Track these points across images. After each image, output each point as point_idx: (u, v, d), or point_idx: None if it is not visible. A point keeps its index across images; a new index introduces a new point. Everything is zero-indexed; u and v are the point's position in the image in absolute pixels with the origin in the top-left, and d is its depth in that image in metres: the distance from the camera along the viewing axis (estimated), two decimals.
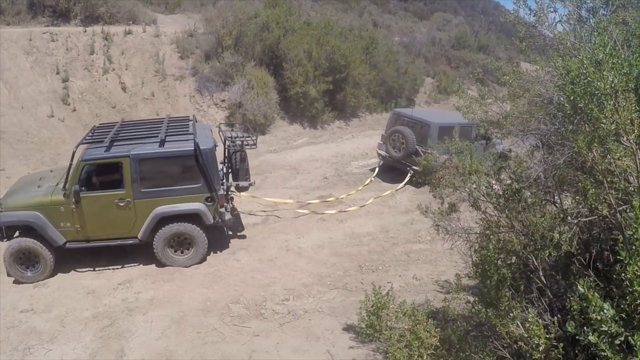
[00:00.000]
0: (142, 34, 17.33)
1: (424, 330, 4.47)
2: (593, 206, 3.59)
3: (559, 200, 4.53)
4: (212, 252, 8.35)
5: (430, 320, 4.64)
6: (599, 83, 3.26)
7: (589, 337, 2.77)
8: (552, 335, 3.56)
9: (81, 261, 7.86)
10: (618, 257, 2.97)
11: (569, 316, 3.32)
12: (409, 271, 7.99)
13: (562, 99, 3.92)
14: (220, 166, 8.55)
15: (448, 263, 8.15)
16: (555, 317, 3.79)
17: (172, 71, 16.83)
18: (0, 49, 14.43)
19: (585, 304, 2.87)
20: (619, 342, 2.76)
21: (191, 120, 8.60)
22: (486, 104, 5.53)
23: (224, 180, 8.44)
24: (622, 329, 2.75)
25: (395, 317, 4.64)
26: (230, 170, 8.87)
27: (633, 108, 3.29)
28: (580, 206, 4.11)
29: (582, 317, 3.18)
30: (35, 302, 6.91)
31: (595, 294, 2.79)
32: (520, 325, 3.71)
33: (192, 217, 7.73)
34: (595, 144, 3.42)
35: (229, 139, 8.95)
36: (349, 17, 26.02)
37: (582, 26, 4.66)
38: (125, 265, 7.87)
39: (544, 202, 4.62)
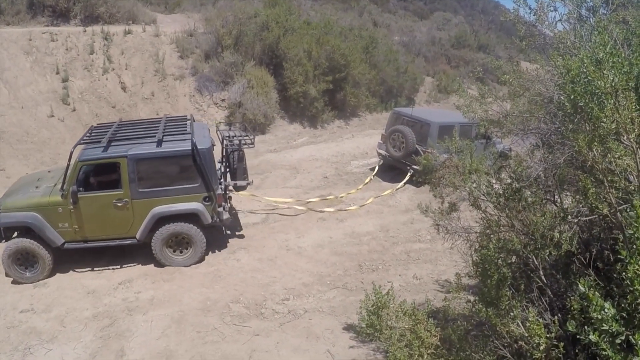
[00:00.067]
0: (141, 33, 17.32)
1: (424, 330, 4.48)
2: (593, 205, 3.59)
3: (559, 200, 4.53)
4: (212, 252, 8.35)
5: (430, 319, 4.64)
6: (599, 82, 3.26)
7: (590, 337, 2.77)
8: (553, 334, 3.56)
9: (80, 261, 7.86)
10: (618, 256, 2.97)
11: (569, 315, 3.32)
12: (409, 270, 7.99)
13: (562, 98, 3.92)
14: (218, 165, 8.54)
15: (448, 262, 8.15)
16: (556, 317, 3.79)
17: (172, 71, 16.83)
18: (0, 49, 14.42)
19: (585, 303, 2.87)
20: (619, 341, 2.76)
21: (189, 120, 8.58)
22: (486, 103, 5.53)
23: (222, 180, 8.43)
24: (623, 328, 2.75)
25: (395, 317, 4.64)
26: (228, 170, 8.86)
27: (633, 107, 3.28)
28: (581, 205, 4.11)
29: (583, 316, 3.18)
30: (36, 302, 6.90)
31: (596, 293, 2.79)
32: (520, 324, 3.70)
33: (190, 217, 7.72)
34: (596, 143, 3.42)
35: (227, 138, 8.93)
36: (348, 17, 26.02)
37: (582, 25, 4.66)
38: (124, 266, 7.86)
39: (544, 202, 4.62)
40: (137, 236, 7.65)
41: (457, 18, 35.61)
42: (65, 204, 7.27)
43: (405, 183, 11.71)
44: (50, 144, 13.13)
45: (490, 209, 4.72)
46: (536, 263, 4.07)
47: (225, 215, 8.06)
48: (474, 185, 4.77)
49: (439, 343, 4.51)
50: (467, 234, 5.40)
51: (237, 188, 8.87)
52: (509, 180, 4.77)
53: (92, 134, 7.96)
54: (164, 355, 5.80)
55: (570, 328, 3.09)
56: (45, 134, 13.35)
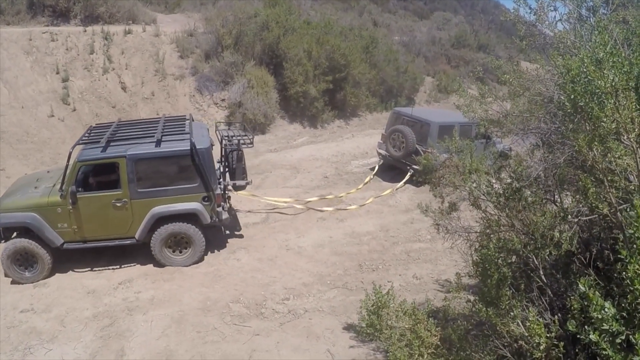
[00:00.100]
0: (142, 33, 17.32)
1: (424, 330, 4.48)
2: (593, 205, 3.59)
3: (559, 199, 4.53)
4: (212, 252, 8.35)
5: (430, 319, 4.64)
6: (599, 82, 3.26)
7: (590, 336, 2.77)
8: (553, 334, 3.56)
9: (80, 261, 7.86)
10: (618, 256, 2.97)
11: (569, 315, 3.32)
12: (409, 270, 7.99)
13: (562, 97, 3.92)
14: (217, 165, 8.54)
15: (448, 262, 8.15)
16: (556, 316, 3.79)
17: (172, 71, 16.83)
18: (0, 49, 14.42)
19: (586, 303, 2.87)
20: (619, 340, 2.76)
21: (187, 120, 8.58)
22: (486, 102, 5.53)
23: (221, 180, 8.44)
24: (623, 328, 2.75)
25: (395, 316, 4.64)
26: (227, 170, 8.85)
27: (633, 107, 3.29)
28: (581, 205, 4.11)
29: (583, 316, 3.18)
30: (36, 302, 6.91)
31: (596, 292, 2.79)
32: (520, 324, 3.70)
33: (189, 217, 7.72)
34: (596, 143, 3.42)
35: (226, 138, 8.93)
36: (348, 17, 26.02)
37: (582, 25, 4.66)
38: (125, 265, 7.86)
39: (544, 201, 4.62)
40: (136, 236, 7.65)
41: (457, 18, 35.62)
42: (64, 204, 7.27)
43: (404, 183, 11.71)
44: (50, 144, 13.13)
45: (490, 209, 4.72)
46: (536, 263, 4.07)
47: (225, 215, 8.06)
48: (474, 185, 4.78)
49: (439, 343, 4.51)
50: (467, 234, 5.40)
51: (236, 188, 8.86)
52: (509, 180, 4.77)
53: (91, 134, 7.96)
54: (164, 355, 5.81)
55: (570, 328, 3.09)
56: (46, 133, 13.35)
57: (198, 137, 7.81)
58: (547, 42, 5.15)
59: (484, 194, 4.70)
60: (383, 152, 12.45)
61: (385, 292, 4.81)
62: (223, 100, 16.67)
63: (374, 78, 19.73)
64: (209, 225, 7.90)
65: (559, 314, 3.88)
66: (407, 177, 11.70)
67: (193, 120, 8.86)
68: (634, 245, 2.90)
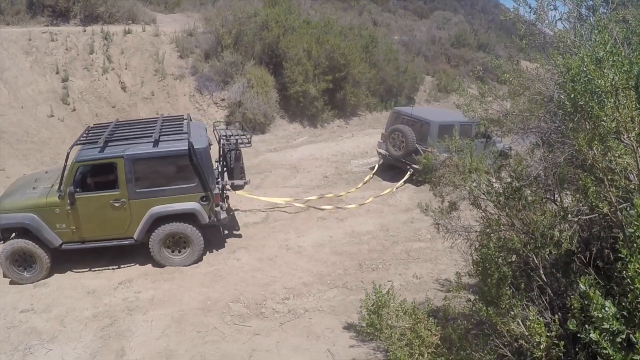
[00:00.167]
0: (141, 33, 17.31)
1: (424, 329, 4.47)
2: (593, 204, 3.58)
3: (559, 199, 4.53)
4: (212, 252, 8.35)
5: (430, 318, 4.64)
6: (599, 81, 3.26)
7: (591, 335, 2.77)
8: (553, 333, 3.56)
9: (80, 261, 7.86)
10: (619, 255, 2.97)
11: (569, 314, 3.32)
12: (409, 270, 7.99)
13: (562, 96, 3.92)
14: (215, 165, 8.54)
15: (448, 261, 8.15)
16: (556, 315, 3.79)
17: (171, 70, 16.82)
18: (0, 49, 14.41)
19: (586, 302, 2.87)
20: (620, 340, 2.76)
21: (185, 119, 8.57)
22: (486, 102, 5.52)
23: (219, 179, 8.43)
24: (624, 327, 2.75)
25: (395, 316, 4.64)
26: (225, 169, 8.85)
27: (633, 106, 3.28)
28: (581, 204, 4.11)
29: (583, 315, 3.18)
30: (36, 302, 6.91)
31: (597, 291, 2.79)
32: (521, 323, 3.70)
33: (188, 217, 7.72)
34: (596, 142, 3.42)
35: (224, 137, 8.92)
36: (348, 16, 26.02)
37: (582, 24, 4.65)
38: (124, 265, 7.87)
39: (544, 200, 4.62)
40: (135, 236, 7.65)
41: (457, 17, 35.62)
42: (63, 204, 7.27)
43: (404, 182, 11.71)
44: (50, 144, 13.13)
45: (490, 208, 4.72)
46: (536, 262, 4.06)
47: (223, 215, 8.06)
48: (474, 184, 4.77)
49: (439, 342, 4.51)
50: (467, 233, 5.40)
51: (235, 187, 8.85)
52: (509, 179, 4.77)
53: (89, 135, 7.96)
54: (164, 355, 5.81)
55: (570, 327, 3.09)
56: (45, 133, 13.35)
57: (196, 136, 7.80)
58: (547, 41, 5.14)
59: (484, 193, 4.69)
60: (383, 151, 12.44)
61: (385, 291, 4.81)
62: (223, 100, 16.67)
63: (374, 77, 19.73)
64: (207, 225, 7.90)
65: (559, 313, 3.88)
66: (406, 176, 11.70)
67: (191, 120, 8.86)
68: (634, 244, 2.90)
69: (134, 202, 7.49)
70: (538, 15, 4.79)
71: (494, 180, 4.81)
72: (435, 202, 5.79)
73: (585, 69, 3.35)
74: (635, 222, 2.88)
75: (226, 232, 9.04)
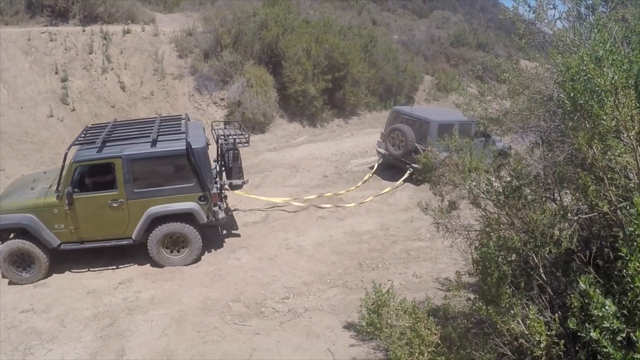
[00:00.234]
0: (140, 33, 17.30)
1: (424, 328, 4.47)
2: (593, 203, 3.58)
3: (559, 197, 4.53)
4: (212, 251, 8.36)
5: (430, 317, 4.64)
6: (599, 80, 3.26)
7: (591, 334, 2.77)
8: (553, 332, 3.56)
9: (80, 261, 7.85)
10: (619, 253, 2.97)
11: (569, 313, 3.32)
12: (409, 269, 7.99)
13: (562, 95, 3.92)
14: (213, 165, 8.54)
15: (448, 260, 8.15)
16: (556, 314, 3.79)
17: (171, 70, 16.82)
18: None
19: (586, 301, 2.87)
20: (620, 338, 2.76)
21: (183, 119, 8.57)
22: (486, 101, 5.52)
23: (217, 179, 8.43)
24: (624, 326, 2.75)
25: (395, 315, 4.64)
26: (223, 169, 8.84)
27: (633, 105, 3.28)
28: (581, 203, 4.11)
29: (583, 313, 3.19)
30: (36, 302, 6.90)
31: (597, 290, 2.79)
32: (521, 322, 3.71)
33: (186, 217, 7.72)
34: (596, 141, 3.42)
35: (222, 137, 8.92)
36: (347, 15, 26.02)
37: (581, 23, 4.65)
38: (124, 265, 7.86)
39: (544, 199, 4.61)
40: (133, 236, 7.65)
41: (456, 16, 35.62)
42: (61, 205, 7.27)
43: (403, 181, 11.71)
44: (49, 144, 13.12)
45: (490, 207, 4.72)
46: (536, 261, 4.07)
47: (221, 215, 8.06)
48: (474, 183, 4.77)
49: (439, 341, 4.51)
50: (467, 232, 5.40)
51: (233, 187, 8.85)
52: (508, 178, 4.77)
53: (87, 135, 7.95)
54: (165, 355, 5.81)
55: (570, 325, 3.09)
56: (45, 134, 13.34)
57: (194, 136, 7.79)
58: (546, 40, 5.14)
59: (483, 193, 4.69)
60: (382, 150, 12.44)
61: (385, 290, 4.81)
62: (222, 99, 16.67)
63: (373, 77, 19.73)
64: (205, 225, 7.89)
65: (559, 312, 3.88)
66: (406, 176, 11.70)
67: (189, 120, 8.85)
68: (634, 243, 2.90)
69: (132, 202, 7.48)
70: (537, 14, 4.79)
71: (493, 179, 4.81)
72: (435, 201, 5.79)
73: (584, 67, 3.35)
74: (635, 221, 2.88)
75: (225, 232, 9.04)
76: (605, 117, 3.28)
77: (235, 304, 6.86)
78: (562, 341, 3.49)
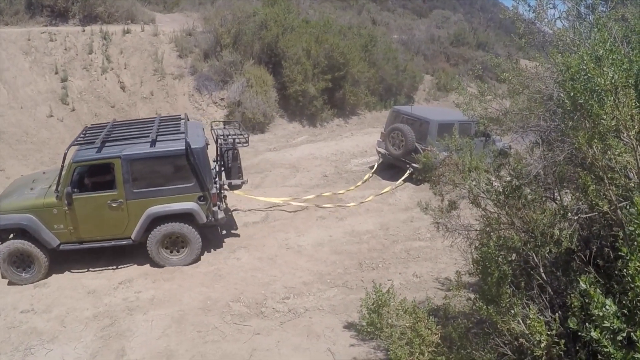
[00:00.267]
0: (140, 33, 17.30)
1: (425, 328, 4.47)
2: (593, 202, 3.58)
3: (559, 197, 4.53)
4: (212, 251, 8.36)
5: (431, 317, 4.64)
6: (599, 79, 3.26)
7: (591, 333, 2.77)
8: (554, 331, 3.56)
9: (80, 261, 7.85)
10: (619, 253, 2.97)
11: (570, 313, 3.32)
12: (409, 269, 7.99)
13: (562, 95, 3.92)
14: (212, 165, 8.53)
15: (448, 260, 8.15)
16: (557, 314, 3.79)
17: (171, 70, 16.81)
18: None
19: (586, 300, 2.87)
20: (620, 338, 2.76)
21: (182, 119, 8.57)
22: (486, 100, 5.52)
23: (217, 179, 8.42)
24: (624, 325, 2.75)
25: (396, 315, 4.64)
26: (222, 169, 8.84)
27: (633, 104, 3.28)
28: (581, 203, 4.11)
29: (583, 313, 3.18)
30: (36, 302, 6.90)
31: (597, 289, 2.79)
32: (521, 322, 3.71)
33: (185, 217, 7.72)
34: (596, 140, 3.42)
35: (221, 137, 8.91)
36: (347, 15, 26.02)
37: (581, 22, 4.65)
38: (124, 265, 7.86)
39: (544, 199, 4.61)
40: (133, 236, 7.65)
41: (456, 16, 35.61)
42: (60, 205, 7.27)
43: (403, 181, 11.71)
44: (49, 144, 13.12)
45: (490, 207, 4.72)
46: (536, 260, 4.07)
47: (220, 215, 8.06)
48: (474, 183, 4.77)
49: (439, 341, 4.51)
50: (467, 232, 5.40)
51: (232, 187, 8.85)
52: (508, 178, 4.77)
53: (86, 135, 7.95)
54: (165, 355, 5.81)
55: (571, 325, 3.09)
56: (45, 134, 13.34)
57: (193, 136, 7.79)
58: (546, 39, 5.14)
59: (483, 192, 4.69)
60: (382, 150, 12.44)
61: (385, 290, 4.81)
62: (222, 99, 16.67)
63: (373, 77, 19.72)
64: (205, 225, 7.89)
65: (560, 312, 3.88)
66: (406, 175, 11.70)
67: (188, 120, 8.85)
68: (635, 243, 2.90)
69: (132, 202, 7.48)
70: (537, 13, 4.79)
71: (493, 179, 4.81)
72: (435, 200, 5.79)
73: (584, 67, 3.35)
74: (636, 220, 2.88)
75: (224, 232, 9.04)
76: (605, 117, 3.28)
77: (235, 304, 6.86)
78: (563, 341, 3.49)
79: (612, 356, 2.75)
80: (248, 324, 6.41)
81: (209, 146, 8.21)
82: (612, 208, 3.49)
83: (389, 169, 12.53)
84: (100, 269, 7.78)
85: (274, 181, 11.99)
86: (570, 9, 4.72)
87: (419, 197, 9.28)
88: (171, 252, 7.84)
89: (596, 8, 4.71)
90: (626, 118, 3.26)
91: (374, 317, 4.61)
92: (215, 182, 8.17)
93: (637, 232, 2.87)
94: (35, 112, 13.67)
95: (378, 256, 8.42)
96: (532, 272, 4.19)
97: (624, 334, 2.76)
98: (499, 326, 3.84)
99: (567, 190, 4.60)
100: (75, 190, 7.33)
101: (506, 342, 3.90)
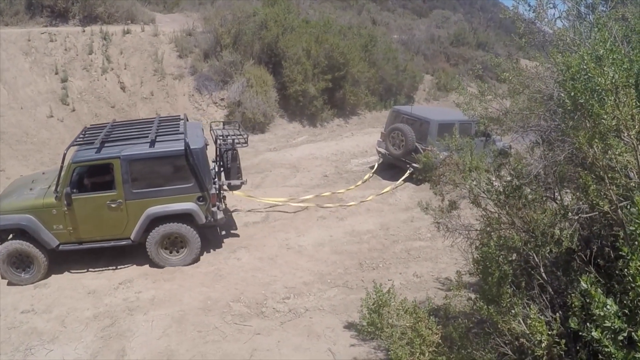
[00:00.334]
0: (140, 33, 17.30)
1: (425, 328, 4.47)
2: (594, 202, 3.58)
3: (559, 197, 4.52)
4: (212, 251, 8.36)
5: (431, 317, 4.64)
6: (599, 79, 3.26)
7: (592, 333, 2.77)
8: (554, 331, 3.56)
9: (80, 262, 7.85)
10: (619, 253, 2.97)
11: (570, 312, 3.32)
12: (409, 269, 7.99)
13: (562, 95, 3.92)
14: (211, 165, 8.53)
15: (449, 260, 8.15)
16: (557, 314, 3.79)
17: (171, 70, 16.81)
18: None
19: (587, 300, 2.87)
20: (621, 337, 2.76)
21: (182, 120, 8.56)
22: (486, 100, 5.52)
23: (216, 179, 8.43)
24: (625, 325, 2.75)
25: (396, 315, 4.64)
26: (222, 169, 8.84)
27: (634, 104, 3.28)
28: (581, 202, 4.11)
29: (584, 313, 3.18)
30: (36, 302, 6.90)
31: (598, 289, 2.79)
32: (521, 321, 3.70)
33: (185, 217, 7.71)
34: (596, 140, 3.42)
35: (220, 137, 8.91)
36: (347, 15, 26.02)
37: (581, 22, 4.65)
38: (125, 265, 7.86)
39: (544, 199, 4.61)
40: (132, 237, 7.65)
41: (456, 16, 35.62)
42: (60, 205, 7.26)
43: (403, 180, 11.70)
44: (49, 145, 13.12)
45: (490, 207, 4.72)
46: (537, 260, 4.06)
47: (220, 215, 8.06)
48: (474, 182, 4.77)
49: (440, 341, 4.51)
50: (467, 232, 5.40)
51: (231, 187, 8.84)
52: (509, 178, 4.77)
53: (86, 135, 7.96)
54: (165, 355, 5.81)
55: (572, 325, 3.09)
56: (45, 134, 13.34)
57: (192, 137, 7.78)
58: (546, 39, 5.14)
59: (484, 192, 4.69)
60: (383, 150, 12.44)
61: (385, 290, 4.81)
62: (222, 99, 16.66)
63: (373, 76, 19.72)
64: (204, 225, 7.90)
65: (560, 312, 3.88)
66: (406, 175, 11.69)
67: (187, 120, 8.85)
68: (635, 243, 2.90)
69: (131, 202, 7.48)
70: (537, 13, 4.79)
71: (494, 178, 4.81)
72: (436, 200, 5.79)
73: (585, 67, 3.35)
74: (636, 220, 2.88)
75: (224, 232, 9.04)
76: (605, 116, 3.28)
77: (235, 304, 6.86)
78: (563, 341, 3.49)
79: (613, 356, 2.75)
80: (248, 324, 6.41)
81: (208, 146, 8.21)
82: (612, 208, 3.49)
83: (389, 168, 12.53)
84: (100, 269, 7.78)
85: (274, 181, 11.99)
86: (570, 8, 4.72)
87: (420, 197, 9.28)
88: (170, 252, 7.83)
89: (596, 8, 4.71)
90: (627, 118, 3.26)
91: (374, 317, 4.61)
92: (214, 183, 8.16)
93: (637, 231, 2.87)
94: (36, 112, 13.66)
95: (378, 256, 8.42)
96: (532, 272, 4.19)
97: (625, 334, 2.76)
98: (499, 326, 3.84)
99: (567, 190, 4.60)
100: (75, 190, 7.33)
101: (507, 342, 3.90)
